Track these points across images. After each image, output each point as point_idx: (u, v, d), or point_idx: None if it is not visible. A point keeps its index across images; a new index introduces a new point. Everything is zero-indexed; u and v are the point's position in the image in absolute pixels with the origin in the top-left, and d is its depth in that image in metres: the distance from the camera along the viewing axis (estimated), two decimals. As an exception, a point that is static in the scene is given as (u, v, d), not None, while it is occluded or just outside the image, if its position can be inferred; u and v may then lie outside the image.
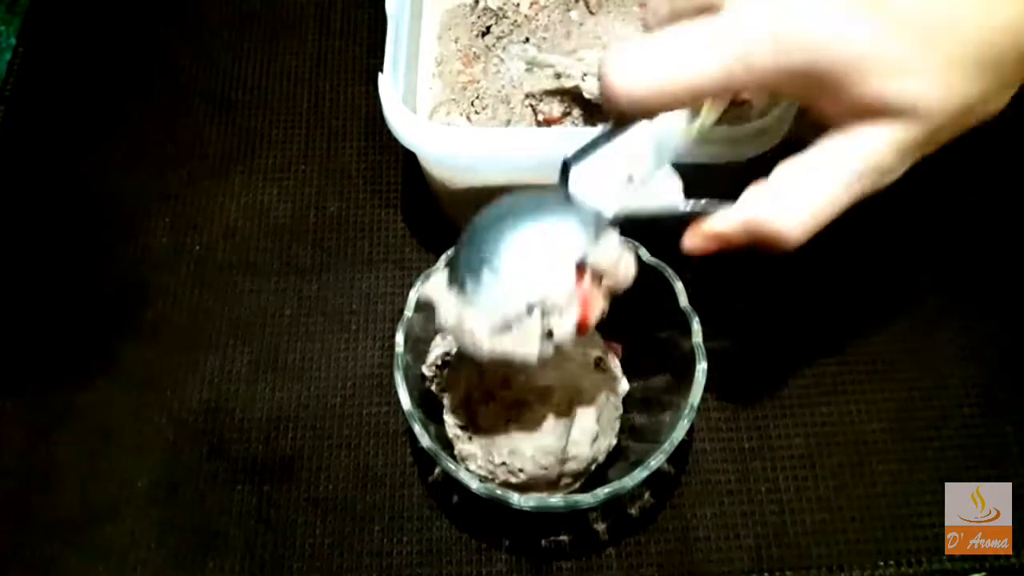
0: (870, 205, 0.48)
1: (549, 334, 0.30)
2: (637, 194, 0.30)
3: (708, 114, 0.31)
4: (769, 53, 0.25)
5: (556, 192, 0.31)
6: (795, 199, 0.27)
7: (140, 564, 0.39)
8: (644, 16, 0.31)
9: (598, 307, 0.31)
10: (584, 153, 0.30)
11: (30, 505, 0.41)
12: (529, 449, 0.35)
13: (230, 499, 0.41)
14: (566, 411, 0.37)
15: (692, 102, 0.28)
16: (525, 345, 0.30)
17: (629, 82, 0.26)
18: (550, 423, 0.36)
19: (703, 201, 0.30)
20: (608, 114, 0.28)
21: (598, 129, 0.31)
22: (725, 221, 0.29)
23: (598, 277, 0.31)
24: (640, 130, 0.29)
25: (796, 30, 0.24)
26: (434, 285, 0.33)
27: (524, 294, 0.30)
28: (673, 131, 0.31)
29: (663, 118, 0.29)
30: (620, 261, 0.31)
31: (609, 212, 0.31)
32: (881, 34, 0.24)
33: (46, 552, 0.40)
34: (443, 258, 0.37)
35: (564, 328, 0.30)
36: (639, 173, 0.30)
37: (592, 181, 0.30)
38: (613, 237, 0.31)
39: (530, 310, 0.30)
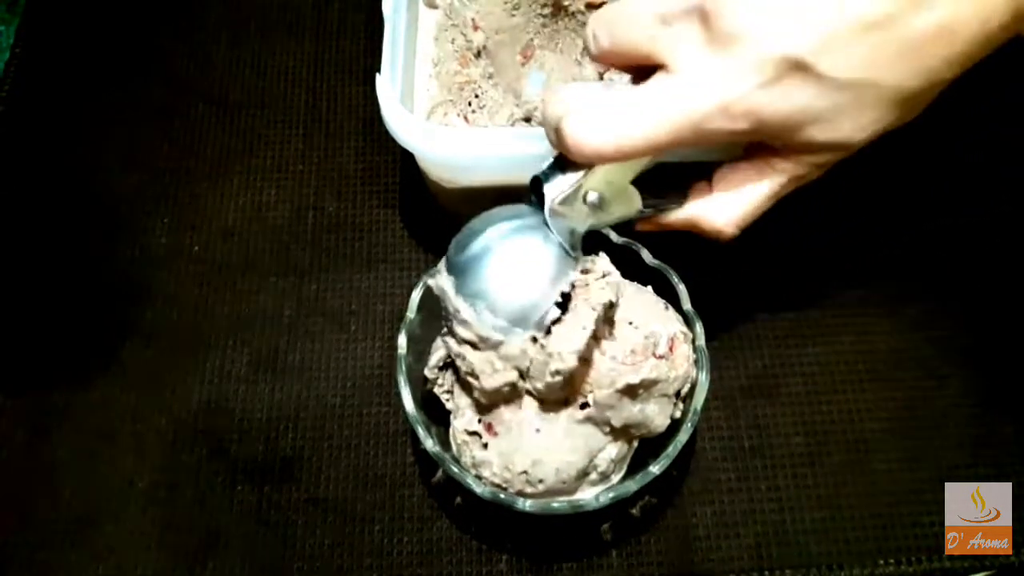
0: (870, 204, 0.48)
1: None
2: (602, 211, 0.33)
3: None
4: (718, 121, 0.29)
5: (531, 212, 0.33)
6: (731, 205, 0.33)
7: (140, 564, 0.39)
8: (586, 37, 0.32)
9: None
10: (553, 170, 0.32)
11: (30, 505, 0.41)
12: (555, 462, 0.34)
13: (230, 499, 0.41)
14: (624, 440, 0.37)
15: (647, 155, 0.31)
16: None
17: (589, 142, 0.30)
18: (583, 441, 0.35)
19: (659, 200, 0.35)
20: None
21: None
22: (675, 217, 0.35)
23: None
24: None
25: (742, 101, 0.28)
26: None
27: (522, 332, 0.33)
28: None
29: None
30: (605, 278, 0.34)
31: (582, 228, 0.33)
32: (812, 96, 0.28)
33: (46, 552, 0.40)
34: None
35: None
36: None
37: (562, 201, 0.32)
38: (602, 260, 0.35)
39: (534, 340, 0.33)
